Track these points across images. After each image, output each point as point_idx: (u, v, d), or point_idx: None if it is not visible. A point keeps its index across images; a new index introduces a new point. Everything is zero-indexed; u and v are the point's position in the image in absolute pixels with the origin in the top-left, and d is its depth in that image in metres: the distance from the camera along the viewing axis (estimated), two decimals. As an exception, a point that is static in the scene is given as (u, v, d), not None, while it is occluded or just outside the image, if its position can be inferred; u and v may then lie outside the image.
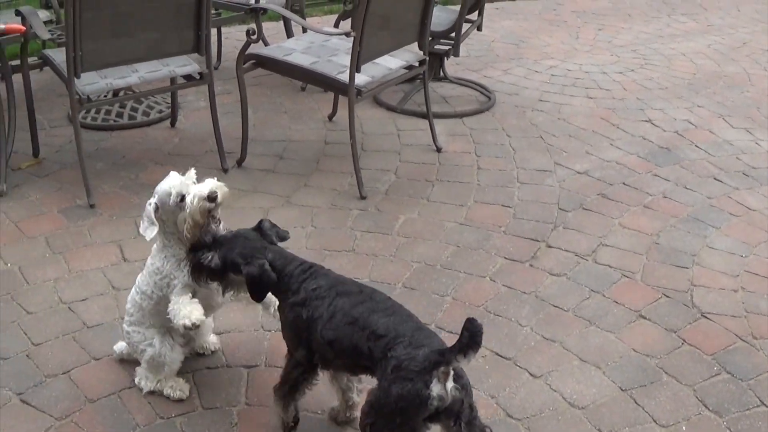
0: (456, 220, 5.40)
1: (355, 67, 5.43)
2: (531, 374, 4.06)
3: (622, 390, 3.98)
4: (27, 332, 4.32)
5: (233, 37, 8.94)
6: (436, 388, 2.97)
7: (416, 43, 6.12)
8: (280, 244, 3.72)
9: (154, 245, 3.89)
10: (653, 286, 4.79)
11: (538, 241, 5.19)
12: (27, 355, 4.16)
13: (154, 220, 3.76)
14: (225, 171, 5.98)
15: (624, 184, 5.93)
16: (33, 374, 4.02)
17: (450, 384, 2.99)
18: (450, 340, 4.20)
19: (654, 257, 5.06)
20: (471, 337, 2.89)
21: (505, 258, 5.00)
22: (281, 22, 8.31)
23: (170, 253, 3.81)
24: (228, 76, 7.51)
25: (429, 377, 2.96)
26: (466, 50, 8.48)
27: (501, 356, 4.16)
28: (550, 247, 5.13)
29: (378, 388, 3.10)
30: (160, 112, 6.92)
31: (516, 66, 8.49)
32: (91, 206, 5.47)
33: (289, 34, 7.88)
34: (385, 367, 3.07)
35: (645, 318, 4.50)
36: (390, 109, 7.12)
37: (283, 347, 3.59)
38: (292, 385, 3.54)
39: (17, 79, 6.05)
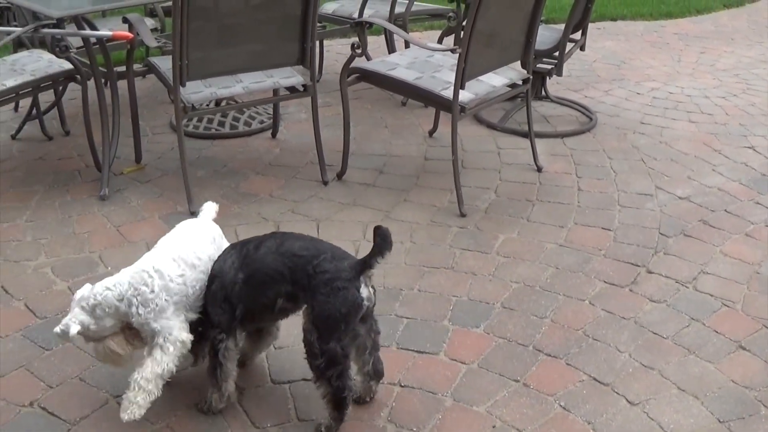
0: (556, 241, 5.36)
1: (460, 84, 5.41)
2: (628, 401, 3.99)
3: (720, 422, 3.89)
4: (126, 336, 4.37)
5: (333, 50, 9.02)
6: (364, 291, 3.50)
7: (519, 62, 6.09)
8: None
9: None
10: (754, 316, 4.69)
11: (638, 266, 5.12)
12: (125, 358, 4.20)
13: None
14: (325, 183, 6.01)
15: (726, 211, 5.84)
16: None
17: (370, 285, 3.55)
18: (550, 363, 4.19)
19: (755, 287, 4.97)
20: (383, 240, 3.43)
21: (605, 282, 4.94)
22: (382, 37, 8.34)
23: None
24: (328, 89, 7.56)
25: (358, 283, 3.48)
26: (568, 70, 8.41)
27: (599, 381, 4.11)
28: (650, 272, 5.06)
29: (316, 305, 3.48)
30: (262, 122, 6.98)
31: (617, 87, 8.43)
32: (192, 213, 5.50)
33: (391, 48, 7.90)
34: (317, 285, 3.47)
35: (745, 349, 4.41)
36: (491, 126, 7.10)
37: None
38: (219, 362, 3.71)
39: (122, 85, 6.14)
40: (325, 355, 3.49)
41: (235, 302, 3.63)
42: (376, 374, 3.82)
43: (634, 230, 5.52)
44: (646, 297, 4.81)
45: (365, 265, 3.49)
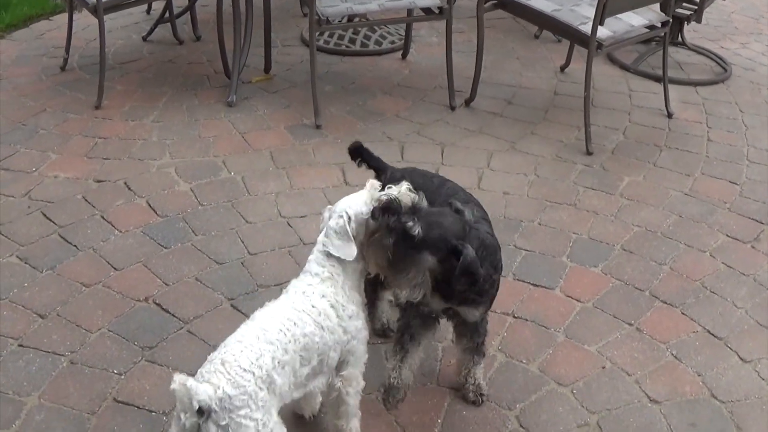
0: (681, 189, 5.26)
1: (599, 20, 5.31)
2: (741, 358, 3.94)
3: (832, 388, 3.82)
4: (244, 241, 4.44)
5: (469, -24, 8.92)
6: None
7: (659, 4, 5.97)
8: None
9: (312, 275, 3.10)
10: None
11: (762, 223, 5.01)
12: (242, 263, 4.27)
13: (350, 234, 3.02)
14: (452, 108, 5.98)
15: None
16: (246, 282, 4.13)
17: None
18: (665, 310, 4.13)
19: None
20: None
21: (727, 236, 4.85)
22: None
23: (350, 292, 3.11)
24: (460, 15, 7.47)
25: None
26: (705, 18, 8.16)
27: (713, 335, 4.06)
28: (774, 231, 4.97)
29: None
30: (392, 42, 6.95)
31: (754, 41, 8.20)
32: (318, 127, 5.55)
33: (529, -20, 7.81)
34: None
35: None
36: (623, 67, 6.97)
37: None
38: None
39: (257, -6, 6.16)
40: None
41: None
42: None
43: (761, 187, 5.39)
44: (767, 255, 4.71)
45: None
